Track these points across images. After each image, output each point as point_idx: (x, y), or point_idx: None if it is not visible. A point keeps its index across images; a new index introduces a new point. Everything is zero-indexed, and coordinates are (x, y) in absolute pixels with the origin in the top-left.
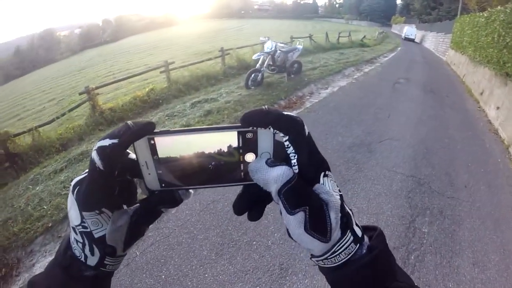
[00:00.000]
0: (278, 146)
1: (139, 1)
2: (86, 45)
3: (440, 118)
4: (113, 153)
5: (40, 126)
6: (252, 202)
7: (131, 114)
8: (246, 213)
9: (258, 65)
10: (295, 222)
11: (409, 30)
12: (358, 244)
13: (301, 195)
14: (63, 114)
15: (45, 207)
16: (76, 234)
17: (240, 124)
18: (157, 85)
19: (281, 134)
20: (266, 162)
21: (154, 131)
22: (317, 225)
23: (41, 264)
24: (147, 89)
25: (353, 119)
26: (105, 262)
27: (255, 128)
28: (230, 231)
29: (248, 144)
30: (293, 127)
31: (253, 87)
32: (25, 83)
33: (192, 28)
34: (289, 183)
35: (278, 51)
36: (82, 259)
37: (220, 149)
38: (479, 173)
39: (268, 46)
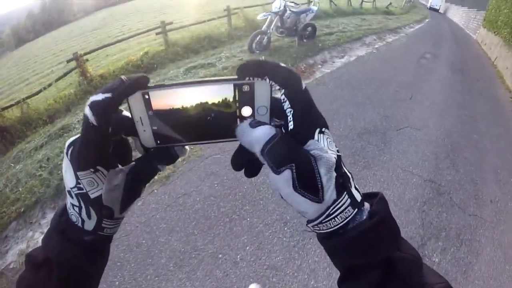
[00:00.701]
0: (277, 104)
1: None
2: (100, 5)
3: (469, 107)
4: (106, 107)
5: (28, 97)
6: (249, 158)
7: None
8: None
9: (264, 27)
10: (282, 181)
11: (434, 0)
12: (356, 209)
13: (286, 152)
14: (49, 85)
15: (20, 189)
16: (72, 197)
17: (236, 77)
18: (154, 48)
19: (277, 88)
20: (250, 124)
21: (148, 85)
22: (307, 182)
23: (13, 251)
24: (141, 53)
25: (368, 97)
26: (102, 225)
27: (251, 80)
28: (196, 236)
29: (245, 97)
30: (289, 80)
31: (257, 51)
32: (37, 47)
33: None
34: (271, 142)
35: (288, 12)
36: (79, 224)
37: (216, 104)
38: (509, 183)
39: (276, 6)
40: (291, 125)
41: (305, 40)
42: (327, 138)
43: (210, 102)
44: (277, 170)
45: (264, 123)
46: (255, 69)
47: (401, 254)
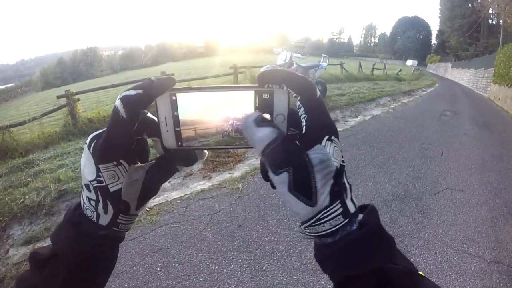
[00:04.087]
0: (294, 114)
1: (181, 30)
2: (127, 66)
3: (509, 160)
4: (137, 102)
5: (11, 126)
6: None
7: None
8: None
9: None
10: (279, 182)
11: (413, 62)
12: (348, 219)
13: (285, 156)
14: (34, 118)
15: None
16: (90, 191)
17: (257, 84)
18: None
19: (294, 95)
20: (255, 120)
21: (176, 87)
22: (302, 186)
23: None
24: None
25: (391, 156)
26: (118, 220)
27: (271, 88)
28: None
29: (265, 104)
30: (305, 88)
31: None
32: (60, 93)
33: (230, 59)
34: (272, 144)
35: (295, 65)
36: (94, 218)
37: (238, 109)
38: None
39: (282, 58)
40: (303, 130)
41: None
42: (334, 146)
43: (232, 108)
44: (275, 171)
45: (267, 125)
46: (273, 76)
47: (395, 266)
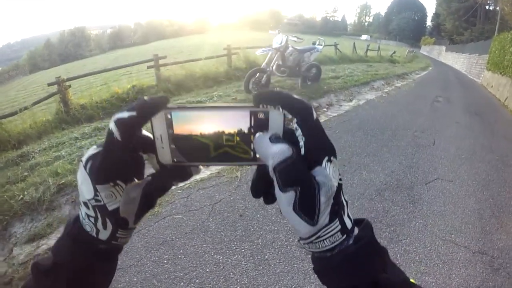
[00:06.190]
0: (289, 133)
1: (171, 7)
2: (116, 45)
3: (498, 151)
4: (131, 124)
5: (2, 117)
6: (267, 186)
7: (103, 114)
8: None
9: (264, 64)
10: (285, 200)
11: (366, 37)
12: (345, 235)
13: (295, 175)
14: (25, 108)
15: None
16: (89, 208)
17: (253, 104)
18: (144, 82)
19: (290, 116)
20: (270, 138)
21: (170, 106)
22: (306, 206)
23: None
24: (129, 86)
25: (385, 144)
26: (117, 235)
27: (267, 108)
28: None
29: (260, 124)
30: (302, 110)
31: (255, 92)
32: (49, 76)
33: (221, 37)
34: (284, 162)
35: (290, 48)
36: (94, 234)
37: (233, 128)
38: None
39: (277, 41)
40: (302, 152)
41: (309, 83)
42: (333, 167)
43: (227, 126)
44: (283, 189)
45: (282, 142)
46: (269, 97)
47: (389, 278)
